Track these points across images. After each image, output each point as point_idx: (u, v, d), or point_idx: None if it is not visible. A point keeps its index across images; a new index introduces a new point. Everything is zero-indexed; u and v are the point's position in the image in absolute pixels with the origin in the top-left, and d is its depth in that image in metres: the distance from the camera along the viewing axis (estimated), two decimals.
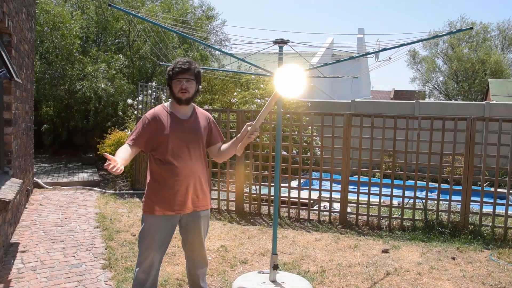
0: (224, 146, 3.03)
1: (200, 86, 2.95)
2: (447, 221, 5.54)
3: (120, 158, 2.60)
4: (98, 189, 7.97)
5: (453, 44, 26.43)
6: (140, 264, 2.87)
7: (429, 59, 28.05)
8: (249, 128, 2.84)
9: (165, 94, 10.21)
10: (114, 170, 2.43)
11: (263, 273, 3.99)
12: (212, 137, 3.02)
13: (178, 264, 4.28)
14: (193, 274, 3.09)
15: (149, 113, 2.88)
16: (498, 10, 55.19)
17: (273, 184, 6.05)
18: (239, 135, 2.90)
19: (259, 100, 9.68)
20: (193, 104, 2.98)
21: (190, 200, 2.86)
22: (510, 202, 5.32)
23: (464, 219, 5.45)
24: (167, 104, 2.96)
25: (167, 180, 2.79)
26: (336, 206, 6.24)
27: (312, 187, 6.08)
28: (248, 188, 6.48)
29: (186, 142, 2.84)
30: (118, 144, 8.85)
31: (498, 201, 5.45)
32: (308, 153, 7.61)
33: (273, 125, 6.27)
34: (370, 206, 5.82)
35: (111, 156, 2.47)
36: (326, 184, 6.26)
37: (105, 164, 2.45)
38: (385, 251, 4.82)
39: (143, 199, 2.89)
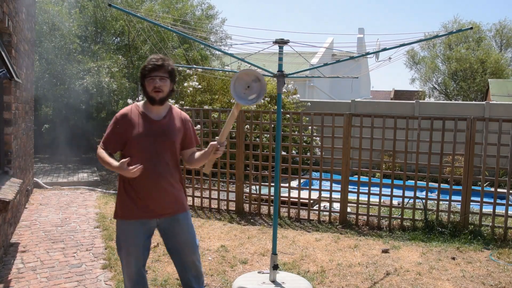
0: (196, 154, 2.86)
1: (175, 85, 2.79)
2: (447, 221, 5.55)
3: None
4: (98, 189, 7.97)
5: (451, 44, 26.45)
6: (125, 272, 2.75)
7: (428, 59, 28.07)
8: (218, 146, 2.67)
9: None
10: (135, 170, 2.48)
11: (263, 273, 3.99)
12: (186, 140, 2.85)
13: None
14: (185, 279, 2.87)
15: (119, 113, 2.74)
16: (492, 10, 55.28)
17: (273, 184, 6.05)
18: (206, 149, 2.74)
19: None
20: (169, 104, 2.84)
21: (162, 205, 2.70)
22: (510, 202, 5.32)
23: (464, 219, 5.45)
24: (140, 103, 2.79)
25: (136, 184, 2.64)
26: (336, 206, 6.24)
27: (312, 187, 6.08)
28: (248, 188, 6.48)
29: (157, 144, 2.68)
30: None
31: (498, 201, 5.45)
32: (308, 153, 7.61)
33: (273, 125, 6.27)
34: (370, 206, 5.82)
35: (119, 164, 2.50)
36: (326, 184, 6.26)
37: (130, 168, 2.47)
38: (385, 251, 4.82)
39: (115, 203, 2.79)
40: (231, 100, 9.86)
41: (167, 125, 2.74)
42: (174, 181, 2.75)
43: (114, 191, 7.76)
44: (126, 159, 2.51)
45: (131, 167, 2.48)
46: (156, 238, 5.06)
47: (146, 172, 2.60)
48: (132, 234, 2.70)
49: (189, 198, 6.62)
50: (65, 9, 11.09)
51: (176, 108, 2.89)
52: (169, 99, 2.84)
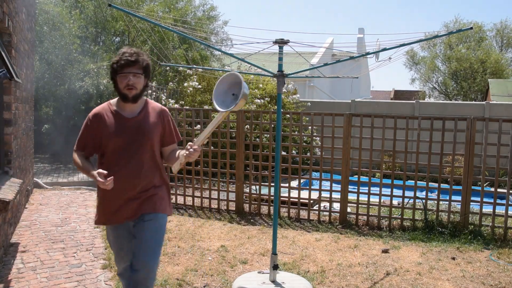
0: (179, 153, 2.64)
1: (149, 81, 2.61)
2: (447, 221, 5.54)
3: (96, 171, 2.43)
4: None
5: (452, 44, 26.45)
6: (118, 269, 2.76)
7: (428, 59, 28.08)
8: (190, 148, 2.43)
9: (164, 94, 10.22)
10: (106, 185, 2.35)
11: (263, 273, 3.99)
12: (165, 136, 2.67)
13: (178, 264, 4.28)
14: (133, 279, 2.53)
15: (91, 112, 2.61)
16: (493, 10, 55.29)
17: (273, 184, 6.05)
18: (182, 151, 2.55)
19: (259, 100, 9.68)
20: (145, 98, 2.67)
21: (131, 207, 2.57)
22: (510, 202, 5.32)
23: (464, 219, 5.45)
24: (114, 101, 2.63)
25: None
26: (336, 206, 6.24)
27: (312, 187, 6.08)
28: (248, 188, 6.48)
29: (131, 143, 2.53)
30: None
31: (498, 201, 5.45)
32: (308, 153, 7.61)
33: (273, 125, 6.27)
34: (370, 206, 5.82)
35: (95, 173, 2.39)
36: (326, 184, 6.26)
37: (102, 181, 2.34)
38: (385, 251, 4.82)
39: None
40: None
41: (142, 122, 2.57)
42: (152, 183, 2.61)
43: None
44: (105, 172, 2.38)
45: (105, 181, 2.34)
46: None
47: (118, 175, 2.47)
48: (111, 238, 2.67)
49: (189, 198, 6.63)
50: (65, 9, 11.10)
51: (153, 102, 2.71)
52: (145, 95, 2.70)
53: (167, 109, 2.72)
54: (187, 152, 2.41)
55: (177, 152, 2.65)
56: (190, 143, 2.44)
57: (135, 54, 2.49)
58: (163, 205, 2.67)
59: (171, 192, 6.77)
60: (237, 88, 2.64)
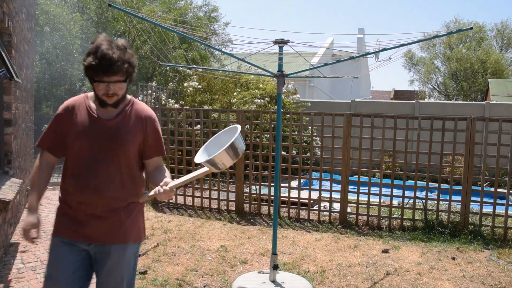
0: (160, 173, 2.16)
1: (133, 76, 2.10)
2: (447, 221, 5.54)
3: (34, 209, 2.07)
4: None
5: (452, 44, 26.46)
6: None
7: (427, 60, 28.08)
8: (161, 187, 1.99)
9: (164, 94, 10.23)
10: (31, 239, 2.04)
11: (263, 273, 3.99)
12: (145, 148, 2.17)
13: (178, 264, 4.28)
14: None
15: (63, 104, 2.16)
16: (494, 11, 55.31)
17: (273, 184, 6.05)
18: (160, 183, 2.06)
19: (259, 100, 9.69)
20: (130, 98, 2.18)
21: (93, 228, 2.08)
22: (510, 202, 5.32)
23: (464, 219, 5.45)
24: (91, 94, 2.15)
25: (69, 198, 2.08)
26: (336, 206, 6.25)
27: (312, 187, 6.08)
28: (248, 188, 6.48)
29: (100, 151, 2.05)
30: None
31: (498, 201, 5.45)
32: (308, 153, 7.61)
33: (273, 125, 6.28)
34: (370, 206, 5.82)
35: (27, 220, 2.05)
36: (326, 184, 6.26)
37: (23, 235, 2.04)
38: (385, 251, 4.82)
39: None
40: (231, 100, 9.87)
41: (118, 127, 2.08)
42: (125, 201, 2.11)
43: None
44: (35, 227, 2.05)
45: (27, 236, 2.03)
46: (156, 238, 5.06)
47: (80, 186, 2.04)
48: (54, 255, 2.10)
49: (189, 198, 6.63)
50: (66, 10, 11.11)
51: (140, 104, 2.21)
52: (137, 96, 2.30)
53: (155, 117, 2.21)
54: (158, 191, 1.97)
55: (164, 174, 2.15)
56: (166, 180, 2.02)
57: (117, 56, 1.93)
58: (136, 231, 2.18)
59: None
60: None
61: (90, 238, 2.09)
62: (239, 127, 2.18)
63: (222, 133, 2.32)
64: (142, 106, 2.19)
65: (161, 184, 1.99)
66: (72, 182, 2.07)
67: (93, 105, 2.11)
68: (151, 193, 2.02)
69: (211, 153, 2.17)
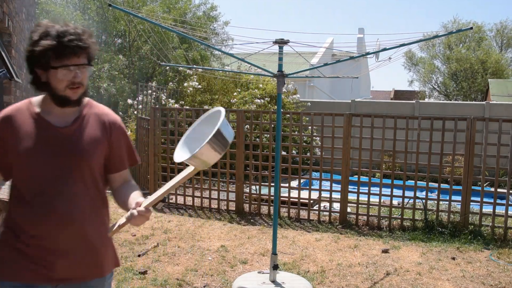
0: (133, 195, 1.73)
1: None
2: (447, 221, 5.55)
3: None
4: None
5: (451, 44, 26.48)
6: None
7: (427, 60, 28.09)
8: (135, 210, 1.57)
9: (165, 93, 10.23)
10: None
11: (263, 273, 3.99)
12: (110, 159, 1.77)
13: (178, 264, 4.28)
14: None
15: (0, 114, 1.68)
16: (492, 11, 55.33)
17: (273, 184, 6.05)
18: (133, 201, 1.65)
19: (259, 100, 9.69)
20: (86, 99, 1.76)
21: (64, 267, 1.65)
22: (510, 202, 5.32)
23: (464, 219, 5.45)
24: (36, 99, 1.71)
25: (22, 229, 1.63)
26: (336, 206, 6.25)
27: (312, 187, 6.08)
28: (248, 188, 6.48)
29: (61, 167, 1.63)
30: None
31: (498, 201, 5.45)
32: (308, 153, 7.62)
33: (273, 125, 6.28)
34: (370, 206, 5.82)
35: None
36: (326, 184, 6.26)
37: None
38: (385, 251, 4.82)
39: None
40: (231, 100, 9.86)
41: (76, 136, 1.67)
42: (92, 224, 1.71)
43: None
44: None
45: None
46: (156, 238, 5.06)
47: (37, 214, 1.60)
48: None
49: (189, 198, 6.63)
50: (67, 10, 11.12)
51: (97, 105, 1.81)
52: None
53: (120, 121, 1.83)
54: (132, 215, 1.56)
55: (135, 190, 1.77)
56: (139, 199, 1.64)
57: (81, 34, 1.60)
58: (112, 257, 1.84)
59: (171, 192, 6.80)
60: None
61: (58, 279, 1.65)
62: (222, 110, 1.73)
63: (203, 121, 1.85)
64: (103, 109, 1.80)
65: (134, 206, 1.58)
66: (25, 211, 1.61)
67: (41, 112, 1.67)
68: (122, 220, 1.62)
69: (193, 148, 1.72)
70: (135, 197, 1.70)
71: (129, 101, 9.93)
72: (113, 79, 10.53)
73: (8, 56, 4.24)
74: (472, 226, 5.44)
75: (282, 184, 5.95)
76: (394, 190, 5.78)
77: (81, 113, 1.72)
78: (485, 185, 5.61)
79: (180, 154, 1.76)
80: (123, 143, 1.81)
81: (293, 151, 6.72)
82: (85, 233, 1.68)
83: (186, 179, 1.67)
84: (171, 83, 10.80)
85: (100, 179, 1.75)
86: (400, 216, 5.73)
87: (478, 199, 5.42)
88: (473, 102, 18.93)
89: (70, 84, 1.60)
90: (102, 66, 10.45)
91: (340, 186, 5.93)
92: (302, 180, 7.22)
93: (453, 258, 4.64)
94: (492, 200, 5.40)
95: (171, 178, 1.93)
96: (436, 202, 5.63)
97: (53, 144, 1.64)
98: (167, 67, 11.25)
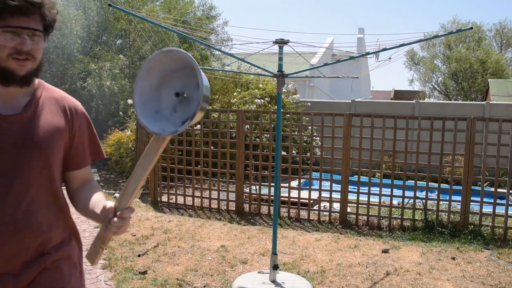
0: (93, 198, 1.43)
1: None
2: (447, 221, 5.55)
3: None
4: None
5: (451, 44, 26.48)
6: None
7: (428, 59, 28.10)
8: (115, 218, 1.29)
9: None
10: None
11: (263, 273, 3.99)
12: (72, 154, 1.48)
13: (178, 264, 4.29)
14: None
15: None
16: (492, 11, 55.33)
17: (273, 184, 6.05)
18: (101, 209, 1.34)
19: (259, 100, 9.69)
20: (38, 81, 1.44)
21: (19, 271, 1.36)
22: (510, 202, 5.32)
23: (464, 219, 5.45)
24: None
25: None
26: (336, 206, 6.25)
27: (312, 187, 6.08)
28: (248, 188, 6.48)
29: (9, 164, 1.32)
30: (119, 144, 8.86)
31: (498, 201, 5.45)
32: (308, 153, 7.62)
33: (273, 125, 6.28)
34: (370, 206, 5.82)
35: None
36: (326, 184, 6.26)
37: None
38: (385, 251, 4.82)
39: None
40: (231, 100, 9.86)
41: (31, 124, 1.37)
42: (55, 237, 1.43)
43: (114, 191, 7.77)
44: None
45: None
46: (156, 238, 5.06)
47: None
48: None
49: (189, 198, 6.63)
50: (68, 9, 11.12)
51: (53, 88, 1.50)
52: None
53: (81, 106, 1.54)
54: (112, 225, 1.28)
55: (99, 192, 1.48)
56: (109, 204, 1.32)
57: None
58: (75, 276, 1.50)
59: (171, 192, 6.81)
60: (185, 80, 1.32)
61: (12, 283, 1.34)
62: (183, 51, 1.26)
63: (146, 73, 1.33)
64: (61, 93, 1.50)
65: (108, 210, 1.30)
66: None
67: None
68: (102, 236, 1.35)
69: (160, 104, 1.35)
70: (101, 199, 1.39)
71: (129, 101, 9.93)
72: (114, 77, 10.52)
73: None
74: (472, 226, 5.45)
75: (282, 184, 5.96)
76: (394, 190, 5.78)
77: (33, 97, 1.39)
78: (485, 185, 5.61)
79: (152, 122, 1.32)
80: (87, 133, 1.51)
81: (293, 151, 6.72)
82: (41, 244, 1.39)
83: (157, 157, 1.34)
84: None
85: (58, 179, 1.44)
86: (400, 216, 5.73)
87: (478, 199, 5.42)
88: (473, 102, 18.94)
89: (15, 53, 1.26)
90: (104, 64, 10.45)
91: (340, 186, 5.93)
92: (302, 180, 7.22)
93: (453, 258, 4.64)
94: (492, 200, 5.40)
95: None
96: (436, 202, 5.63)
97: (1, 136, 1.31)
98: None
